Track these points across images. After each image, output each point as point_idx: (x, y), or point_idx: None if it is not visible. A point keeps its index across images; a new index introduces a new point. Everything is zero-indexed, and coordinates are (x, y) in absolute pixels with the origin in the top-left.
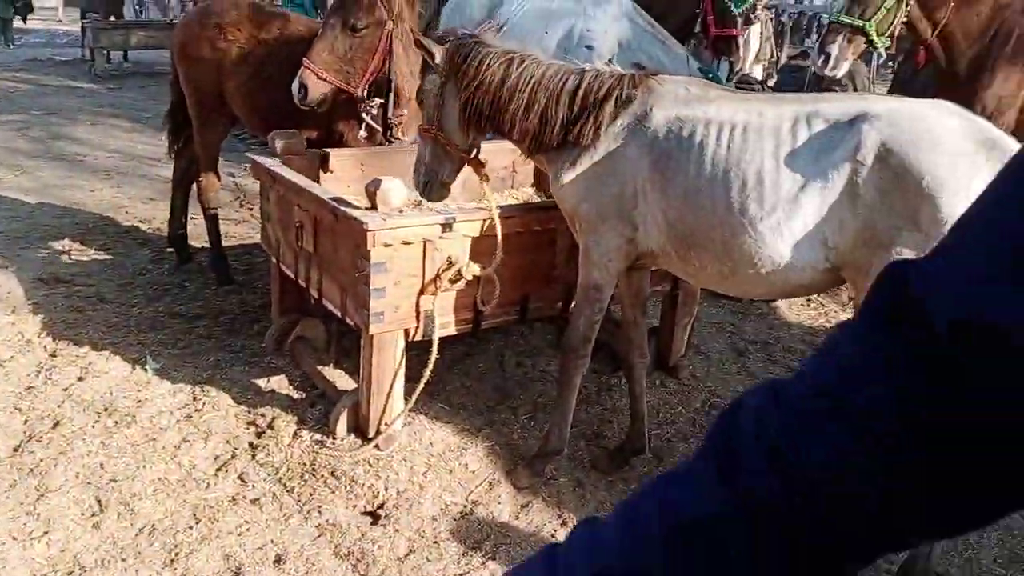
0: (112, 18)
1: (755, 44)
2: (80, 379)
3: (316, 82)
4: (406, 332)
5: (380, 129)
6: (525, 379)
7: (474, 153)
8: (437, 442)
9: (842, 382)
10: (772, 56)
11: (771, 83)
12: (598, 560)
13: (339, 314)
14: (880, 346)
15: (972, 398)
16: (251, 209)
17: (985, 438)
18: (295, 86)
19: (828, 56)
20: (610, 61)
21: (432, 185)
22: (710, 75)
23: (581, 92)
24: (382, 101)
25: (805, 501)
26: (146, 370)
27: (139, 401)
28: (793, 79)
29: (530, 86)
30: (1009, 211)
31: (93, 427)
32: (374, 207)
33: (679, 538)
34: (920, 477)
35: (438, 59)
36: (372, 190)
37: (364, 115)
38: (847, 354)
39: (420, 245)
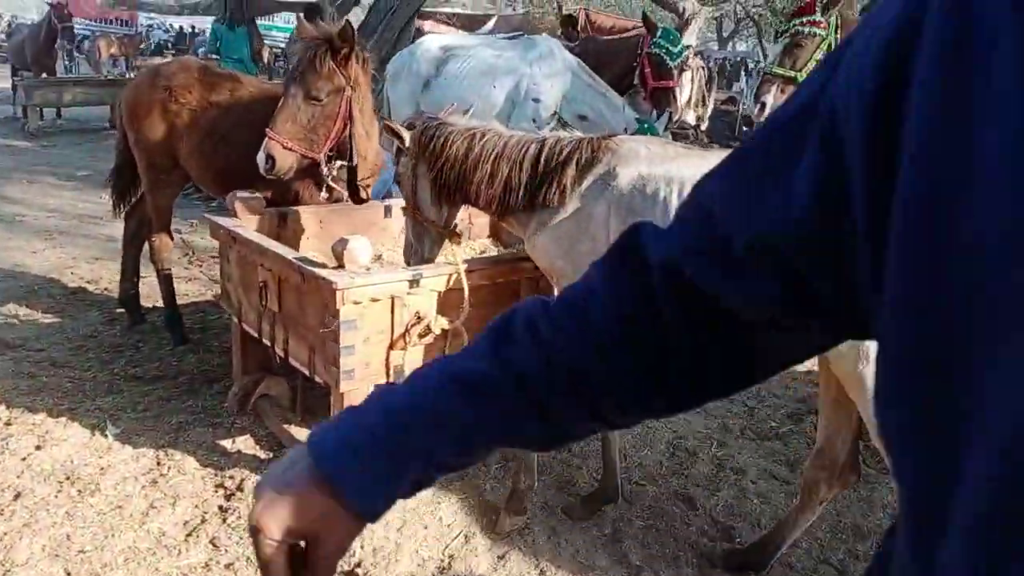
0: (44, 75)
1: (687, 91)
2: (38, 448)
3: (282, 152)
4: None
5: (345, 192)
6: None
7: (452, 227)
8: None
9: (583, 295)
10: (704, 102)
11: (703, 127)
12: (390, 406)
13: (307, 372)
14: (613, 273)
15: (662, 309)
16: (200, 266)
17: (666, 347)
18: (261, 157)
19: (764, 105)
20: (556, 113)
21: (418, 262)
22: (645, 124)
23: (543, 158)
24: (343, 163)
25: (552, 372)
26: (106, 435)
27: (101, 468)
28: (723, 124)
29: (492, 157)
30: (715, 204)
31: (56, 497)
32: (341, 266)
33: (455, 388)
34: (627, 363)
35: (407, 142)
36: (340, 249)
37: (326, 178)
38: (593, 277)
39: (388, 302)
